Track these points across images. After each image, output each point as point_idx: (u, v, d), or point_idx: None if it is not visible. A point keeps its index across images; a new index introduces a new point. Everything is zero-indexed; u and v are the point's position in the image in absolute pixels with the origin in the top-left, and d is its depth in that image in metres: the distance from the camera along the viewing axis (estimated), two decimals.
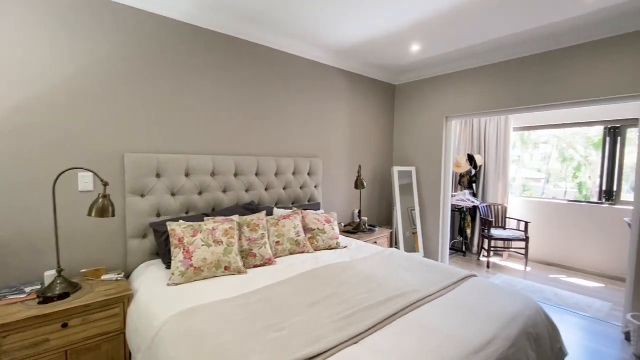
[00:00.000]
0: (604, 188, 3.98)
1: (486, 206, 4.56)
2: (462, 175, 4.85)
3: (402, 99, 4.14)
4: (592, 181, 4.36)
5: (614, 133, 3.87)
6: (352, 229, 3.40)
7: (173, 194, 2.23)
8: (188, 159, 2.28)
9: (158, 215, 2.18)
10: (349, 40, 2.89)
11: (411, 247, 3.89)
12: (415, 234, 3.94)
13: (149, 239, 2.14)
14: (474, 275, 2.01)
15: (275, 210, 2.62)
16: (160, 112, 2.24)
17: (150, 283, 1.80)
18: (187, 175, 2.29)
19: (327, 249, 2.54)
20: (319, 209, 3.10)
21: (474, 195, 4.78)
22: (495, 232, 4.28)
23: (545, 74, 2.90)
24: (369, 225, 3.60)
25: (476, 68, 3.38)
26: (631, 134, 3.79)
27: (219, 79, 2.52)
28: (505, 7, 2.27)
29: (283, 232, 2.33)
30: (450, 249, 4.80)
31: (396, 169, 3.92)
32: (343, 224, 3.60)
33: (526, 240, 4.09)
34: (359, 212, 3.54)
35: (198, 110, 2.42)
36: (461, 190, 4.80)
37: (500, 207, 4.58)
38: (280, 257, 2.28)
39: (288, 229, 2.35)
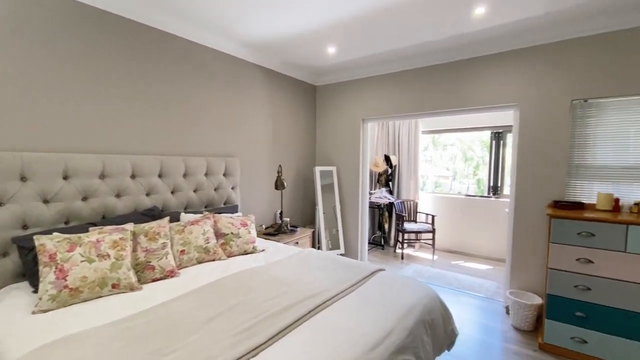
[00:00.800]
0: (491, 184, 4.65)
1: (400, 202, 4.94)
2: (379, 174, 5.17)
3: (322, 99, 4.20)
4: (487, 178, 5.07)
5: (498, 137, 4.55)
6: (274, 231, 3.32)
7: (46, 201, 1.85)
8: (67, 158, 1.91)
9: (25, 227, 1.78)
10: (262, 36, 2.80)
11: (336, 245, 3.99)
12: (338, 231, 4.05)
13: (12, 258, 1.73)
14: (382, 269, 2.12)
15: (183, 215, 2.39)
16: (25, 99, 1.83)
17: (8, 312, 1.45)
18: (65, 177, 1.92)
19: (243, 254, 2.42)
20: (236, 212, 2.95)
21: (390, 192, 5.14)
22: (407, 225, 4.65)
23: (444, 83, 3.24)
24: (291, 226, 3.56)
25: (389, 74, 3.61)
26: (510, 138, 4.50)
27: (111, 65, 2.17)
28: (408, 20, 2.44)
29: (189, 239, 2.12)
30: (371, 243, 5.09)
31: (318, 169, 3.97)
32: (264, 226, 3.49)
33: (433, 231, 4.55)
34: (280, 212, 3.48)
35: (82, 100, 2.05)
36: (379, 189, 5.11)
37: (412, 202, 5.00)
38: (186, 267, 2.07)
39: (196, 236, 2.16)
